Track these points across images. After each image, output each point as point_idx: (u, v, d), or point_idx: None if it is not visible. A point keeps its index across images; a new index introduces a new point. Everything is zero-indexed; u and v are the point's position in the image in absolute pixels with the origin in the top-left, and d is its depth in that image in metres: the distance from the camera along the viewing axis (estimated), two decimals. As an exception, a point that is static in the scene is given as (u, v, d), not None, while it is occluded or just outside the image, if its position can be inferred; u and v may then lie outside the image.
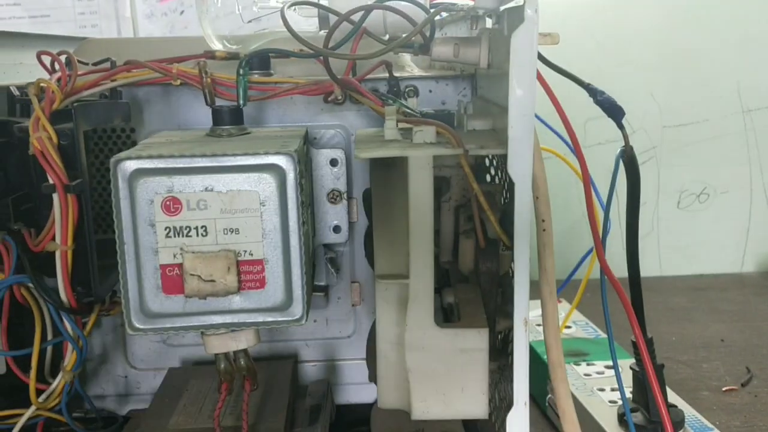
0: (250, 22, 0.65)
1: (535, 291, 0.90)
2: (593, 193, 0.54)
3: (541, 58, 0.50)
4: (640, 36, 1.09)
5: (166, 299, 0.45)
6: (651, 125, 1.12)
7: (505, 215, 0.49)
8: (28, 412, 0.54)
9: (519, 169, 0.43)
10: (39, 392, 0.54)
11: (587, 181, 0.51)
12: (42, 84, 0.51)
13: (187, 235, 0.45)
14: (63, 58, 0.54)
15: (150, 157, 0.45)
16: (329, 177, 0.61)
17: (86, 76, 0.55)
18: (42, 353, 0.54)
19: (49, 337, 0.54)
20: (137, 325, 0.46)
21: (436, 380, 0.48)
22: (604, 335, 0.75)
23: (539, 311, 0.82)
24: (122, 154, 0.45)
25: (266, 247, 0.45)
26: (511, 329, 0.45)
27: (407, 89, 0.64)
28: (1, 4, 0.92)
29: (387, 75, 0.60)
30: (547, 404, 0.69)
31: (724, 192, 1.15)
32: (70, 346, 0.53)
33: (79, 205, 0.50)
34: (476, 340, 0.47)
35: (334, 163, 0.61)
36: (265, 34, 0.65)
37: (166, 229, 0.45)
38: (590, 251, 0.69)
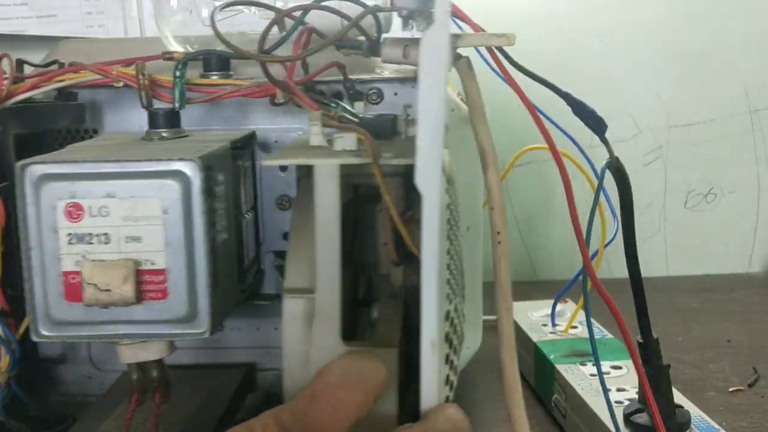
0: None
1: (535, 293, 0.86)
2: (602, 194, 0.53)
3: (512, 62, 0.47)
4: (646, 35, 1.06)
5: (69, 307, 0.44)
6: (657, 125, 1.09)
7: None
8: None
9: (426, 179, 0.40)
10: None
11: (568, 186, 0.47)
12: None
13: (89, 243, 0.44)
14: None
15: (55, 161, 0.44)
16: (279, 182, 0.59)
17: (31, 78, 0.55)
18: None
19: (-17, 339, 0.53)
20: (43, 332, 0.45)
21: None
22: (610, 335, 0.73)
23: (543, 311, 0.80)
24: (29, 159, 0.44)
25: (169, 256, 0.44)
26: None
27: (371, 91, 0.62)
28: (8, 4, 0.94)
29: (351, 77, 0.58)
30: (552, 405, 0.67)
31: (732, 192, 1.11)
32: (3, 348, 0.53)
33: (6, 207, 0.50)
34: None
35: (283, 168, 0.59)
36: (232, 35, 0.64)
37: (68, 235, 0.44)
38: (595, 253, 0.68)
